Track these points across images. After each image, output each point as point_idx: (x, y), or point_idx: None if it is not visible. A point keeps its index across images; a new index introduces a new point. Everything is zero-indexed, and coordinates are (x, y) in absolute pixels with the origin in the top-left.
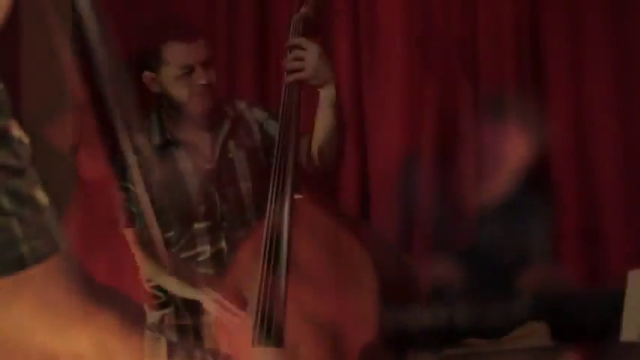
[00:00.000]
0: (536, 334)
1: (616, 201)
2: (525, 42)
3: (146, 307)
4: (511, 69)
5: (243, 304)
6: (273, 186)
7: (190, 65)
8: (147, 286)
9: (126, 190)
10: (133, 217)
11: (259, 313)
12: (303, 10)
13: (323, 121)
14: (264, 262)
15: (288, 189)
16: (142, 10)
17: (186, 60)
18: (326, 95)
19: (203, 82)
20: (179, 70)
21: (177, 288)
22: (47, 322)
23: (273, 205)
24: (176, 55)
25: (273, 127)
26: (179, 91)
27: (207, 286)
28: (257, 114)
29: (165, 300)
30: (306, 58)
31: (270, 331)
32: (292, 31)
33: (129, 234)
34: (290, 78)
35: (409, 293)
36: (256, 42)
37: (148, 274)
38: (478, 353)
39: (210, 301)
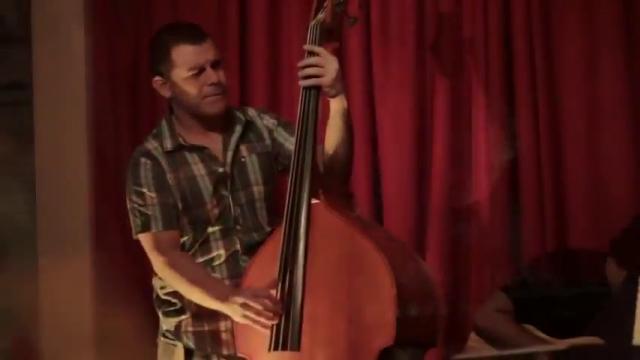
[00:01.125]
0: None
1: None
2: (537, 43)
3: (160, 314)
4: (523, 72)
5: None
6: (291, 190)
7: (199, 66)
8: (161, 293)
9: (140, 194)
10: (149, 221)
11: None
12: (320, 15)
13: (334, 132)
14: (281, 267)
15: (305, 194)
16: (154, 17)
17: (195, 61)
18: (338, 106)
19: (214, 81)
20: (188, 72)
21: (200, 299)
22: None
23: (290, 210)
24: (184, 56)
25: (282, 135)
26: (190, 93)
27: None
28: (267, 121)
29: (181, 306)
30: (326, 65)
31: (288, 335)
32: (309, 36)
33: (146, 239)
34: (309, 82)
35: (426, 295)
36: (268, 49)
37: (166, 282)
38: (486, 358)
39: (237, 313)
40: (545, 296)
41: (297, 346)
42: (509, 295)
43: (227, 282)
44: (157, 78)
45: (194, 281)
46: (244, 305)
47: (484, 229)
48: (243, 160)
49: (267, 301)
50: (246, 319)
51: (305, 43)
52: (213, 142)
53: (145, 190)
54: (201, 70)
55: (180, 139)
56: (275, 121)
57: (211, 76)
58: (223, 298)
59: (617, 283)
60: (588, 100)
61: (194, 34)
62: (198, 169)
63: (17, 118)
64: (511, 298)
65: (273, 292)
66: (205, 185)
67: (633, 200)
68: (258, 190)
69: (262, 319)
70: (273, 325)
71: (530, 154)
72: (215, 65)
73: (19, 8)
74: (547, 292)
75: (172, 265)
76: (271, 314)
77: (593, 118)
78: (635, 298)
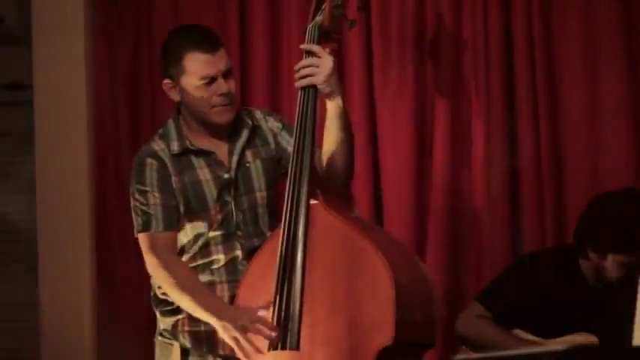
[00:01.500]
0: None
1: None
2: (537, 44)
3: (158, 313)
4: (523, 73)
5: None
6: (289, 191)
7: (211, 76)
8: (159, 292)
9: (143, 193)
10: (149, 221)
11: (276, 318)
12: (318, 18)
13: (331, 133)
14: (280, 268)
15: (304, 195)
16: (154, 18)
17: (207, 71)
18: (333, 106)
19: (224, 91)
20: (199, 81)
21: (190, 307)
22: None
23: (289, 211)
24: (197, 65)
25: (286, 140)
26: (199, 101)
27: (228, 316)
28: (272, 124)
29: (178, 306)
30: (320, 65)
31: (287, 335)
32: (307, 38)
33: (144, 239)
34: (304, 82)
35: (425, 296)
36: (268, 52)
37: (157, 282)
38: (485, 359)
39: (230, 334)
40: (520, 302)
41: (296, 346)
42: (482, 305)
43: (225, 285)
44: (166, 81)
45: (185, 288)
46: (240, 330)
47: (484, 231)
48: (247, 165)
49: (263, 329)
50: (233, 342)
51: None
52: (219, 146)
53: (148, 189)
54: (212, 80)
55: (187, 143)
56: (280, 125)
57: (222, 86)
58: (217, 313)
59: (590, 275)
60: (589, 102)
61: (208, 42)
62: (204, 173)
63: (17, 118)
64: (487, 309)
65: (268, 314)
66: (210, 190)
67: None
68: (261, 196)
69: (251, 349)
70: (273, 320)
71: (531, 155)
72: (226, 75)
73: (19, 8)
74: (521, 298)
75: (165, 267)
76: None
77: (594, 119)
78: (634, 298)
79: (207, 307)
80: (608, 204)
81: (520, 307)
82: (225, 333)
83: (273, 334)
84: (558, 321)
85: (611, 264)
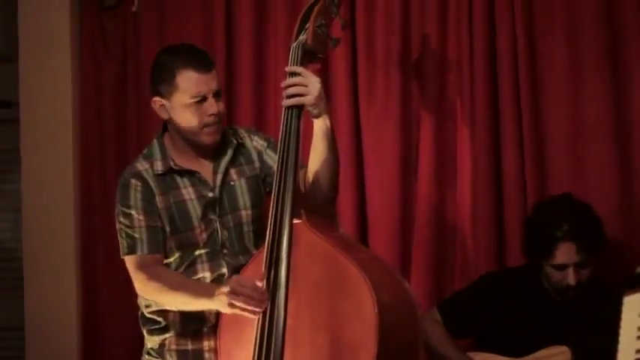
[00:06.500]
0: (558, 357)
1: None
2: (521, 65)
3: (145, 332)
4: (508, 94)
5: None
6: (273, 211)
7: (202, 94)
8: (146, 311)
9: (127, 216)
10: (135, 244)
11: (259, 337)
12: (301, 37)
13: (319, 152)
14: (264, 287)
15: (287, 214)
16: (140, 38)
17: (199, 89)
18: (322, 126)
19: (214, 112)
20: (190, 99)
21: (186, 303)
22: None
23: (272, 230)
24: (190, 83)
25: (272, 158)
26: (188, 120)
27: (219, 290)
28: (257, 142)
29: (165, 325)
30: (309, 85)
31: (270, 355)
32: (291, 57)
33: (130, 261)
34: (292, 101)
35: (408, 316)
36: (254, 70)
37: (151, 297)
38: None
39: (224, 303)
40: (475, 319)
41: None
42: (439, 312)
43: None
44: (156, 98)
45: (177, 286)
46: (231, 293)
47: (469, 250)
48: (232, 183)
49: (252, 287)
50: (233, 309)
51: (287, 64)
52: (203, 165)
53: (133, 212)
54: (203, 99)
55: (171, 163)
56: (265, 143)
57: (213, 106)
58: (209, 293)
59: (551, 287)
60: (573, 121)
61: (202, 62)
62: (188, 192)
63: (4, 135)
64: (442, 317)
65: (258, 283)
66: (194, 209)
67: (617, 222)
68: (246, 213)
69: (249, 307)
70: (256, 342)
71: (516, 174)
72: (217, 95)
73: (6, 26)
74: (475, 315)
75: (152, 277)
76: (257, 301)
77: (578, 138)
78: (616, 317)
79: (202, 294)
80: (534, 212)
81: (476, 323)
82: (222, 306)
83: (264, 297)
84: (528, 337)
85: (559, 256)
